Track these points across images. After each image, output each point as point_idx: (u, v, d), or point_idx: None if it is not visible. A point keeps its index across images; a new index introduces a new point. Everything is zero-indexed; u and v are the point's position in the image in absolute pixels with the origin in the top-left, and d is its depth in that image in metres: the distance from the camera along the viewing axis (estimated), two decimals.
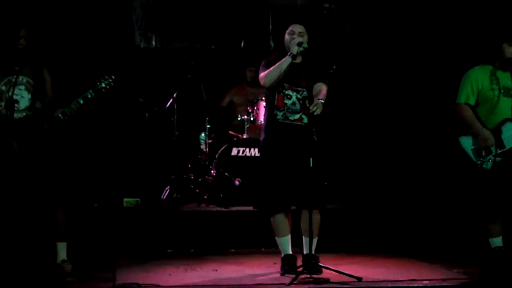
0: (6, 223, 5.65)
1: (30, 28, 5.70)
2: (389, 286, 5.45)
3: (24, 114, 5.67)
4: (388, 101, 9.04)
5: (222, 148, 8.19)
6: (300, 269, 5.62)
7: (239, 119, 8.52)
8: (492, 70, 6.07)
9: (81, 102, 5.63)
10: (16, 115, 5.60)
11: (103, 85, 5.69)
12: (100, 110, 8.00)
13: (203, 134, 8.66)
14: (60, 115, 5.61)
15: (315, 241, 5.79)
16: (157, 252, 6.97)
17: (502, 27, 6.33)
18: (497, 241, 6.05)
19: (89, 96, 5.65)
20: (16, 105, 5.60)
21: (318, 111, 5.61)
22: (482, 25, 8.03)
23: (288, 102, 5.89)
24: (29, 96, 5.71)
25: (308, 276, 5.56)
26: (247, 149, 8.13)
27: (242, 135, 8.43)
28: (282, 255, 5.97)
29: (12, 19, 5.90)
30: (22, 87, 5.71)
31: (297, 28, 5.93)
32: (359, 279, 5.54)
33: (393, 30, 9.09)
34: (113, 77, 5.72)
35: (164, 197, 8.15)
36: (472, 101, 6.06)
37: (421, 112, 8.80)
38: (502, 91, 6.02)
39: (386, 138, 9.02)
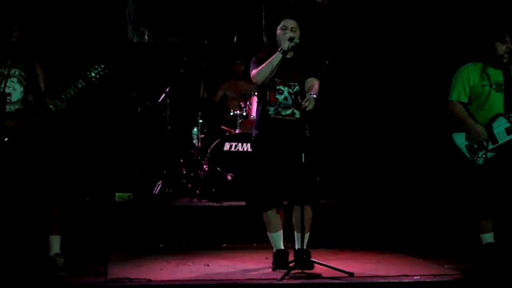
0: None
1: (22, 22, 5.68)
2: (380, 281, 5.45)
3: (17, 106, 5.66)
4: (381, 97, 9.04)
5: (215, 143, 8.18)
6: (292, 264, 5.62)
7: (231, 114, 8.51)
8: (483, 66, 6.08)
9: (72, 92, 5.61)
10: (8, 108, 5.59)
11: (93, 74, 5.68)
12: (92, 105, 7.98)
13: (195, 129, 8.64)
14: (51, 106, 5.60)
15: (306, 236, 5.78)
16: (149, 246, 6.96)
17: (495, 25, 6.32)
18: (488, 237, 6.06)
19: (80, 86, 5.63)
20: (8, 97, 5.59)
21: (310, 106, 5.57)
22: (475, 23, 8.03)
23: (280, 97, 5.86)
24: (21, 89, 5.70)
25: (300, 271, 5.56)
26: (240, 144, 8.13)
27: (235, 130, 8.41)
28: (274, 250, 5.97)
29: (4, 13, 5.87)
30: (15, 79, 5.69)
31: (290, 23, 5.89)
32: (351, 274, 5.55)
33: (386, 26, 9.09)
34: (102, 66, 5.71)
35: (156, 192, 8.15)
36: (464, 99, 6.07)
37: (413, 108, 8.80)
38: (494, 86, 6.02)
39: (378, 134, 9.02)
